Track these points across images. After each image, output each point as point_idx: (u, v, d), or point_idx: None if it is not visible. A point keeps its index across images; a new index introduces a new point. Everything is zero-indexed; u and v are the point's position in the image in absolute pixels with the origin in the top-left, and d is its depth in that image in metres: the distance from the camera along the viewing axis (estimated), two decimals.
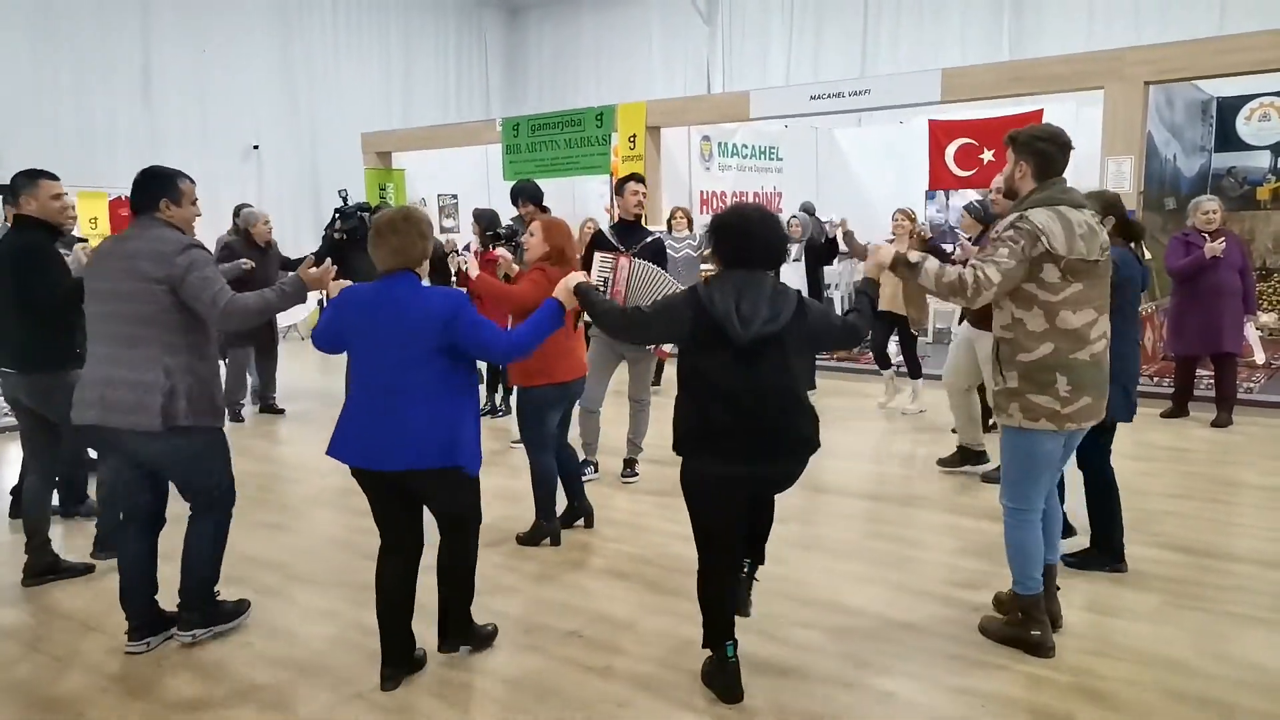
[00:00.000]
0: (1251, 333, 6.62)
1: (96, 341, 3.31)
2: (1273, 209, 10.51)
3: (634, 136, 10.48)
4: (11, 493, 5.05)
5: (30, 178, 4.05)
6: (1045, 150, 3.17)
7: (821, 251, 8.51)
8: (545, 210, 6.39)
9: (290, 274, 3.54)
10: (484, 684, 3.16)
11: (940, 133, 11.58)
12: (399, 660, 3.13)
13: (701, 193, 11.60)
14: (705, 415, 2.85)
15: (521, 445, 5.81)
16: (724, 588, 3.00)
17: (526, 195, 6.30)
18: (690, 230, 7.95)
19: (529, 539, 4.50)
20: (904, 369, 7.24)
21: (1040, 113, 10.70)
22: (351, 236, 6.74)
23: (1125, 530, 4.05)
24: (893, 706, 2.98)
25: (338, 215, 6.87)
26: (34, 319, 3.99)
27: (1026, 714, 2.91)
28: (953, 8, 13.65)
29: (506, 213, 7.26)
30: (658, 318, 2.96)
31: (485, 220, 7.22)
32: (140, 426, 3.16)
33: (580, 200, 12.31)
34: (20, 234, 4.06)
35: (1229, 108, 10.66)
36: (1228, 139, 10.75)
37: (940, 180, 11.66)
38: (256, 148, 13.52)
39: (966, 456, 5.61)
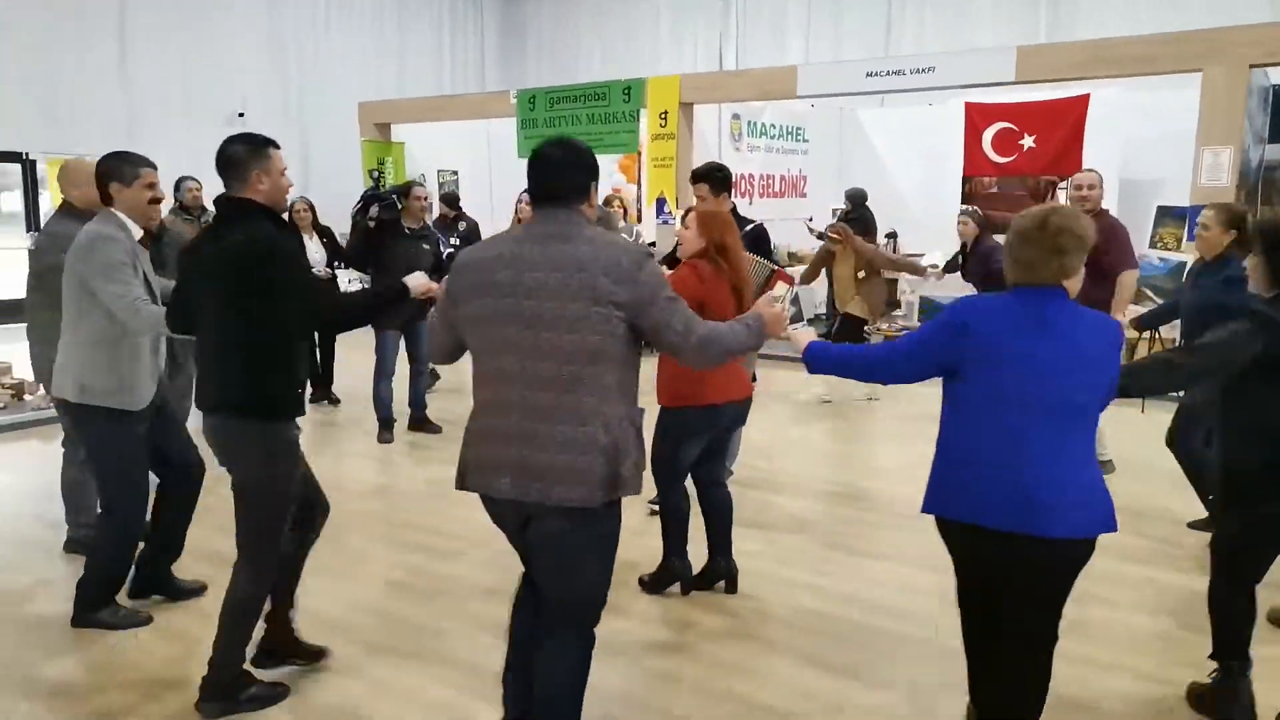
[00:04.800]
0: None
1: (507, 383, 2.32)
2: None
3: (665, 113, 9.70)
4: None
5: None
6: None
7: None
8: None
9: (751, 312, 2.58)
10: None
11: (978, 116, 10.92)
12: None
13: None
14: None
15: None
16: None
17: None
18: (626, 221, 6.96)
19: (654, 584, 3.86)
20: None
21: (1087, 97, 10.14)
22: (385, 225, 6.03)
23: None
24: None
25: (373, 200, 6.09)
26: (274, 346, 2.86)
27: None
28: None
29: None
30: (1212, 356, 2.56)
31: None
32: (572, 501, 2.26)
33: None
34: (250, 225, 2.83)
35: None
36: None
37: (977, 166, 11.02)
38: (242, 115, 12.52)
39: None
